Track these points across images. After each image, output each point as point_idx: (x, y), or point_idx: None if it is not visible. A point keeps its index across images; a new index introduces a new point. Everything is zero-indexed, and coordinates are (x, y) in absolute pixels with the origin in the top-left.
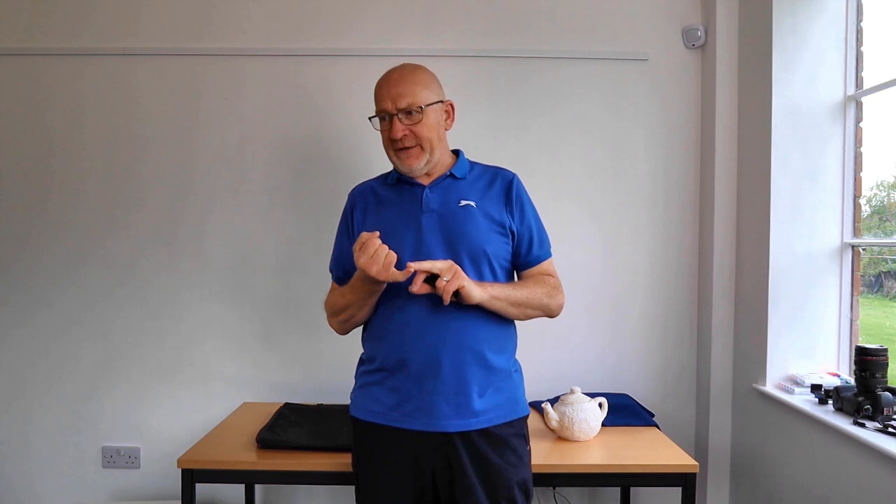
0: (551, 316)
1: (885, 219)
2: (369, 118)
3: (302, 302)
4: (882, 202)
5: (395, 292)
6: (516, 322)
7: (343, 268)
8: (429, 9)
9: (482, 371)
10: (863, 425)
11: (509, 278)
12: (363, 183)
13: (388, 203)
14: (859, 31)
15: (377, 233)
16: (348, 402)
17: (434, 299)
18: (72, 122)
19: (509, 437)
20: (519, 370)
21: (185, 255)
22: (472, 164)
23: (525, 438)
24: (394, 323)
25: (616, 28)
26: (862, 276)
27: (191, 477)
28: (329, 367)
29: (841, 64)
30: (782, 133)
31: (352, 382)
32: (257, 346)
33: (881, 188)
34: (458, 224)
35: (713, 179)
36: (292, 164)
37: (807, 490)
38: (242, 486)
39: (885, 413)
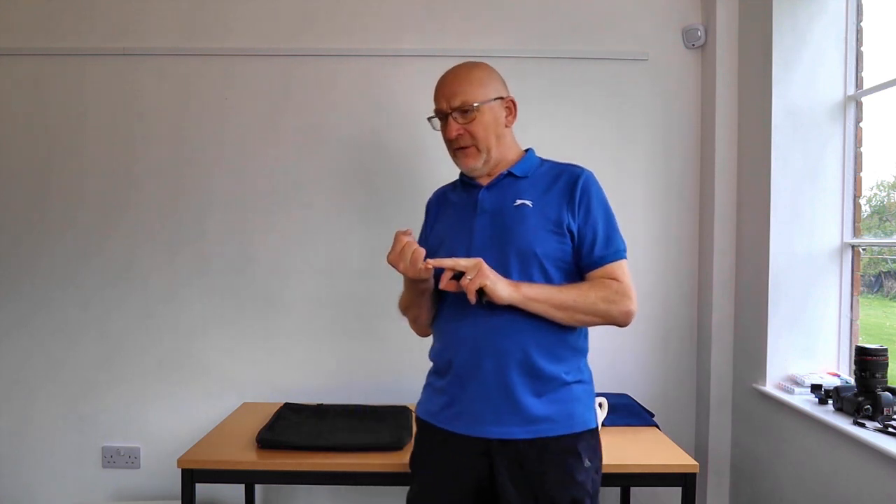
0: (616, 324)
1: (885, 219)
2: (428, 119)
3: (302, 302)
4: (882, 202)
5: (447, 295)
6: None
7: None
8: (429, 9)
9: (528, 378)
10: (863, 425)
11: (570, 280)
12: (440, 188)
13: (451, 206)
14: (859, 31)
15: (409, 230)
16: (348, 401)
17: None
18: (72, 121)
19: (560, 453)
20: (583, 381)
21: (185, 254)
22: (542, 162)
23: (580, 456)
24: (444, 325)
25: (616, 28)
26: (862, 276)
27: (191, 477)
28: (329, 368)
29: (841, 64)
30: (782, 133)
31: (351, 383)
32: (257, 346)
33: (881, 188)
34: (508, 224)
35: (713, 179)
36: (292, 163)
37: (807, 490)
38: (242, 486)
39: (885, 413)
